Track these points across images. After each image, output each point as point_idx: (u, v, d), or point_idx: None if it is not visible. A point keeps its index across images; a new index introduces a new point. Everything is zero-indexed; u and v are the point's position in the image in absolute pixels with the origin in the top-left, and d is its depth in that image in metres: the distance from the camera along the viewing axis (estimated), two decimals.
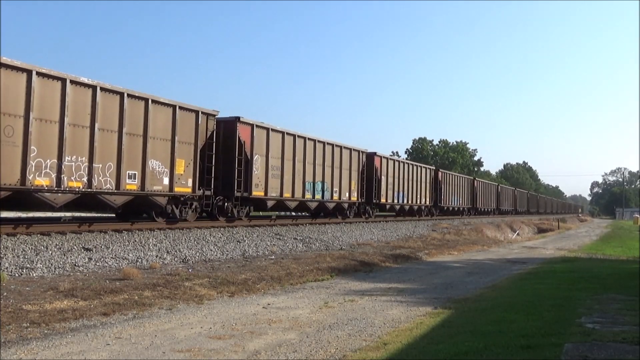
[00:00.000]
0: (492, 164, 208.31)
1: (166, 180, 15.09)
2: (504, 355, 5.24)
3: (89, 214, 17.41)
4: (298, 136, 21.10)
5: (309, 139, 21.87)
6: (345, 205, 25.45)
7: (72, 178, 12.46)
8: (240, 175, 17.73)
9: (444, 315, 8.18)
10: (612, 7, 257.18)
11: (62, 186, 12.20)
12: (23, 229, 12.51)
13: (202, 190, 16.33)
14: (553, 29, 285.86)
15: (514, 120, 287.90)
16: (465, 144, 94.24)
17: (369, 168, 27.43)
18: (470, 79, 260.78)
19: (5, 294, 7.83)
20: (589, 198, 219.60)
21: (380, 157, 28.96)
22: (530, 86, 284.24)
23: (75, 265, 10.50)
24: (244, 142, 17.88)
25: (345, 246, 17.93)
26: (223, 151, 17.51)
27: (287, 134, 20.41)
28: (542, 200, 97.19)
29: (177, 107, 15.34)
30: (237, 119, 17.71)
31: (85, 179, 12.75)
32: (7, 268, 9.59)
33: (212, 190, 16.76)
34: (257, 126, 18.56)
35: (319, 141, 22.72)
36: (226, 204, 17.71)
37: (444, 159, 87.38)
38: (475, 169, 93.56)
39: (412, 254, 17.53)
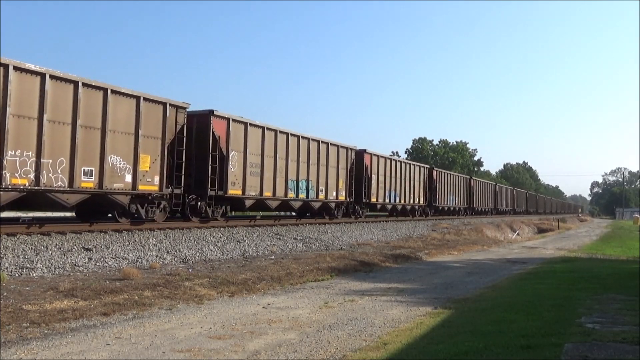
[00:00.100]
0: (492, 164, 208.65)
1: (129, 178, 14.00)
2: (504, 355, 5.24)
3: (45, 214, 16.77)
4: (280, 132, 20.11)
5: (292, 134, 20.84)
6: (333, 205, 24.38)
7: (17, 175, 11.41)
8: (215, 172, 16.73)
9: (444, 315, 8.18)
10: (612, 7, 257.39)
11: (4, 184, 11.13)
12: (23, 229, 12.50)
13: (170, 189, 15.30)
14: (553, 29, 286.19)
15: (514, 120, 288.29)
16: (465, 144, 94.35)
17: (358, 166, 26.38)
18: (470, 79, 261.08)
19: (5, 294, 7.83)
20: (589, 198, 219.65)
21: (371, 154, 27.77)
22: (530, 86, 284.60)
23: (75, 265, 10.50)
24: (219, 137, 16.87)
25: (345, 246, 17.93)
26: (197, 147, 16.61)
27: (268, 129, 19.40)
28: (542, 200, 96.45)
29: (142, 99, 14.21)
30: (211, 112, 16.67)
31: (32, 176, 11.67)
32: (7, 268, 9.59)
33: (182, 188, 15.74)
34: (233, 120, 17.55)
35: (303, 137, 21.67)
36: (199, 203, 16.74)
37: (444, 159, 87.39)
38: (475, 169, 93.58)
39: (412, 254, 17.53)
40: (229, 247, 14.69)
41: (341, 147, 24.79)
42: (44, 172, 11.96)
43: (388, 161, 30.03)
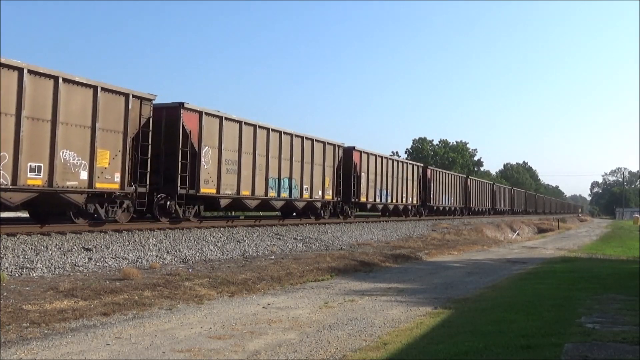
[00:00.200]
0: (492, 164, 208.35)
1: (84, 175, 12.88)
2: (504, 355, 5.24)
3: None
4: (259, 127, 18.97)
5: (273, 130, 19.73)
6: (319, 205, 23.27)
7: None
8: (185, 169, 15.64)
9: (444, 315, 8.18)
10: (612, 7, 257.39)
11: None
12: (23, 229, 12.49)
13: (134, 187, 14.25)
14: (553, 29, 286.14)
15: (514, 120, 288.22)
16: (465, 144, 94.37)
17: (346, 164, 25.25)
18: (470, 79, 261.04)
19: (5, 294, 7.83)
20: (589, 198, 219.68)
21: (360, 151, 26.60)
22: (530, 86, 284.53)
23: (75, 265, 10.51)
24: (190, 131, 15.83)
25: (345, 246, 17.93)
26: (166, 142, 15.59)
27: (246, 123, 18.31)
28: (541, 200, 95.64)
29: (99, 89, 13.12)
30: (181, 104, 15.60)
31: None
32: (7, 268, 9.59)
33: (147, 186, 14.63)
34: (206, 114, 16.48)
35: (285, 133, 20.54)
36: (169, 202, 15.65)
37: (444, 159, 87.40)
38: (475, 169, 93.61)
39: (412, 254, 17.53)
40: (229, 247, 14.69)
41: (327, 143, 23.70)
42: None
43: (379, 159, 28.86)
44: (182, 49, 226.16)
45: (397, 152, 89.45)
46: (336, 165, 24.41)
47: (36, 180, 11.90)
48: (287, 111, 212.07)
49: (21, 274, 9.48)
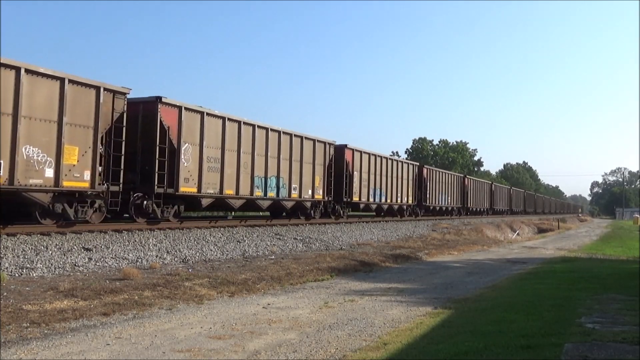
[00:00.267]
0: (492, 164, 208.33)
1: (49, 172, 12.11)
2: (504, 355, 5.24)
3: None
4: (244, 123, 18.20)
5: (259, 127, 18.91)
6: (308, 205, 22.44)
7: None
8: (163, 167, 14.90)
9: (444, 315, 8.18)
10: (612, 7, 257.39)
11: None
12: (23, 229, 12.47)
13: (106, 186, 13.46)
14: (553, 29, 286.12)
15: (514, 120, 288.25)
16: (465, 144, 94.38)
17: (338, 162, 24.43)
18: (470, 79, 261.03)
19: (5, 294, 7.83)
20: (589, 198, 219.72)
21: (352, 150, 25.76)
22: (530, 86, 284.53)
23: (75, 265, 10.51)
24: (169, 127, 15.08)
25: (345, 246, 17.93)
26: (143, 138, 14.90)
27: (230, 119, 17.52)
28: (540, 199, 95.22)
29: (67, 81, 12.32)
30: (158, 99, 14.77)
31: None
32: (7, 268, 9.59)
33: (120, 185, 13.84)
34: (186, 109, 15.74)
35: (272, 130, 19.70)
36: (145, 202, 14.87)
37: (444, 159, 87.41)
38: (475, 169, 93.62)
39: (412, 254, 17.53)
40: (229, 247, 14.69)
41: (318, 141, 22.85)
42: None
43: (372, 157, 27.98)
44: (182, 49, 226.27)
45: (397, 152, 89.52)
46: (327, 163, 23.63)
47: None
48: (287, 111, 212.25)
49: (21, 274, 9.48)
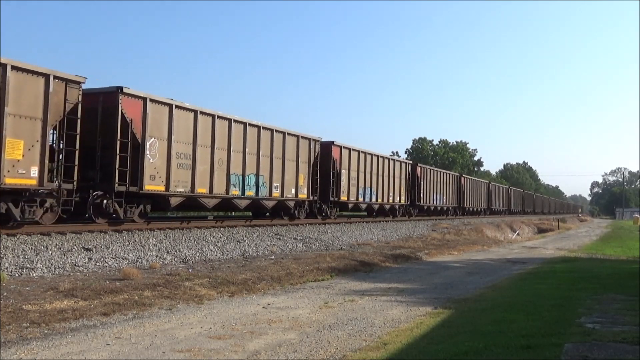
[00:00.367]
0: (492, 164, 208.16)
1: None
2: (504, 355, 5.25)
3: None
4: (219, 117, 17.06)
5: (235, 121, 17.78)
6: (291, 204, 21.37)
7: None
8: (125, 163, 13.86)
9: (444, 315, 8.18)
10: (612, 7, 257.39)
11: None
12: (23, 229, 12.45)
13: (57, 183, 12.41)
14: (553, 29, 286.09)
15: (514, 120, 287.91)
16: (465, 144, 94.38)
17: (324, 160, 23.34)
18: (470, 79, 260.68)
19: (5, 294, 7.83)
20: (589, 198, 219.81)
21: (340, 147, 24.67)
22: (531, 86, 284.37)
23: (75, 265, 10.51)
24: (132, 120, 14.03)
25: (345, 246, 17.94)
26: (103, 133, 13.85)
27: (203, 113, 16.39)
28: (539, 199, 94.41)
29: (9, 67, 11.18)
30: (119, 89, 13.69)
31: None
32: (7, 268, 9.59)
33: (74, 182, 12.73)
34: (152, 101, 14.63)
35: (250, 125, 18.52)
36: (105, 201, 13.74)
37: (444, 159, 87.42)
38: (475, 169, 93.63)
39: (412, 254, 17.54)
40: (229, 247, 14.70)
41: (302, 137, 21.64)
42: None
43: (362, 155, 26.78)
44: (182, 49, 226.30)
45: (397, 152, 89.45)
46: (312, 161, 22.46)
47: None
48: (287, 111, 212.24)
49: (21, 274, 9.48)
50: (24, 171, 11.65)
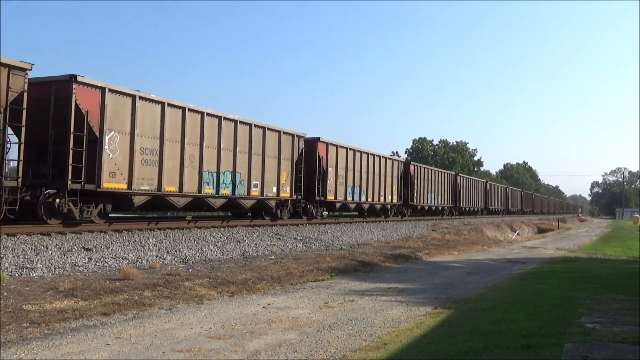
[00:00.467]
0: (492, 164, 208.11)
1: None
2: (504, 355, 5.25)
3: None
4: (190, 110, 15.98)
5: (209, 114, 16.71)
6: (272, 204, 20.30)
7: None
8: (80, 159, 12.79)
9: (444, 315, 8.18)
10: (612, 7, 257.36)
11: None
12: (23, 229, 12.45)
13: None
14: (553, 29, 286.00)
15: (514, 120, 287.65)
16: (465, 144, 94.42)
17: (309, 157, 22.33)
18: (470, 79, 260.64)
19: (5, 294, 7.83)
20: (589, 198, 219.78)
21: (326, 143, 23.48)
22: (531, 86, 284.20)
23: (75, 265, 10.51)
24: (88, 112, 12.94)
25: (345, 246, 17.94)
26: (56, 125, 12.80)
27: (171, 105, 15.34)
28: (538, 199, 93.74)
29: None
30: (73, 77, 12.68)
31: None
32: (7, 268, 9.59)
33: (18, 179, 11.71)
34: (112, 91, 13.59)
35: (226, 119, 17.43)
36: (57, 200, 12.71)
37: (444, 159, 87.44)
38: (475, 169, 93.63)
39: (412, 254, 17.54)
40: (229, 247, 14.70)
41: (284, 132, 20.50)
42: None
43: (350, 152, 25.64)
44: (182, 49, 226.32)
45: (397, 152, 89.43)
46: (296, 158, 21.36)
47: None
48: (287, 111, 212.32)
49: (21, 274, 9.48)
50: None
